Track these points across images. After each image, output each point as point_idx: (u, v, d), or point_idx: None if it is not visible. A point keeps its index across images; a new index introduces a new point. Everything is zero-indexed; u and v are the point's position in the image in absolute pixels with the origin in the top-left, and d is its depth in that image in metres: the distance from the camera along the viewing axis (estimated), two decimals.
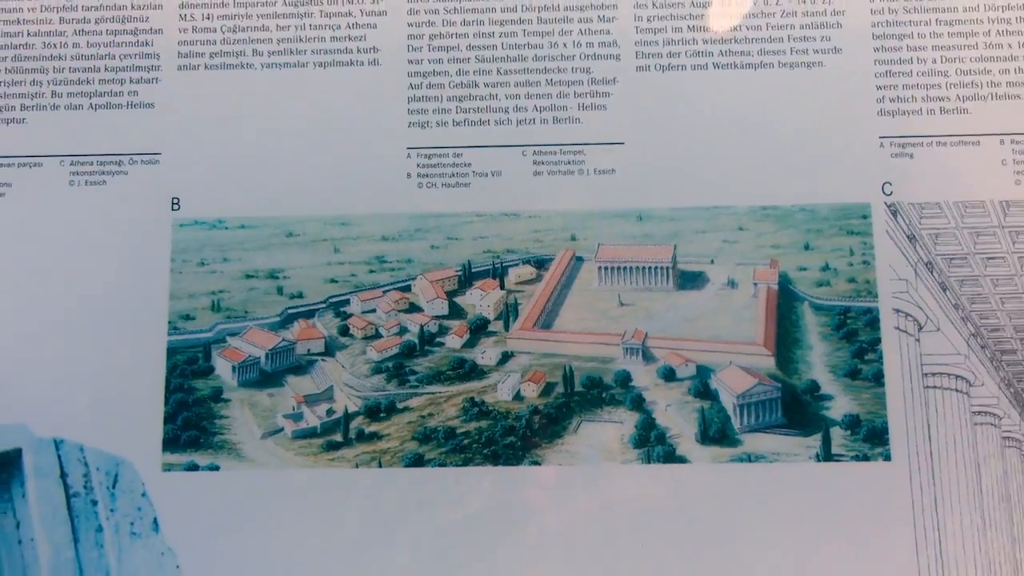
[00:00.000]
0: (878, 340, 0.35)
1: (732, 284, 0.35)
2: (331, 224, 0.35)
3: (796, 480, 0.34)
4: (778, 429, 0.34)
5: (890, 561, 0.33)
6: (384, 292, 0.35)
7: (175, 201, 0.36)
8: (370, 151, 0.36)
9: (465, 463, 0.34)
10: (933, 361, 0.35)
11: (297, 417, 0.35)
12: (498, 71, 0.37)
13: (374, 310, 0.36)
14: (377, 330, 0.35)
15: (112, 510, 0.35)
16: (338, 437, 0.34)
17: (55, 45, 0.37)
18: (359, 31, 0.37)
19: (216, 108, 0.37)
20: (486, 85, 0.37)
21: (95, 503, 0.35)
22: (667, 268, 0.35)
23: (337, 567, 0.33)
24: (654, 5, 0.36)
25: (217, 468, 0.35)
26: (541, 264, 0.36)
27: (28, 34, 0.37)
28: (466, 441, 0.34)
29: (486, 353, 0.35)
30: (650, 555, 0.33)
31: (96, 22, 0.38)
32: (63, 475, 0.35)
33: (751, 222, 0.35)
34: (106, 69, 0.37)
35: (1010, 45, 0.36)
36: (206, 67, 0.37)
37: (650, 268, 0.36)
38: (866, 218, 0.36)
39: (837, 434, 0.34)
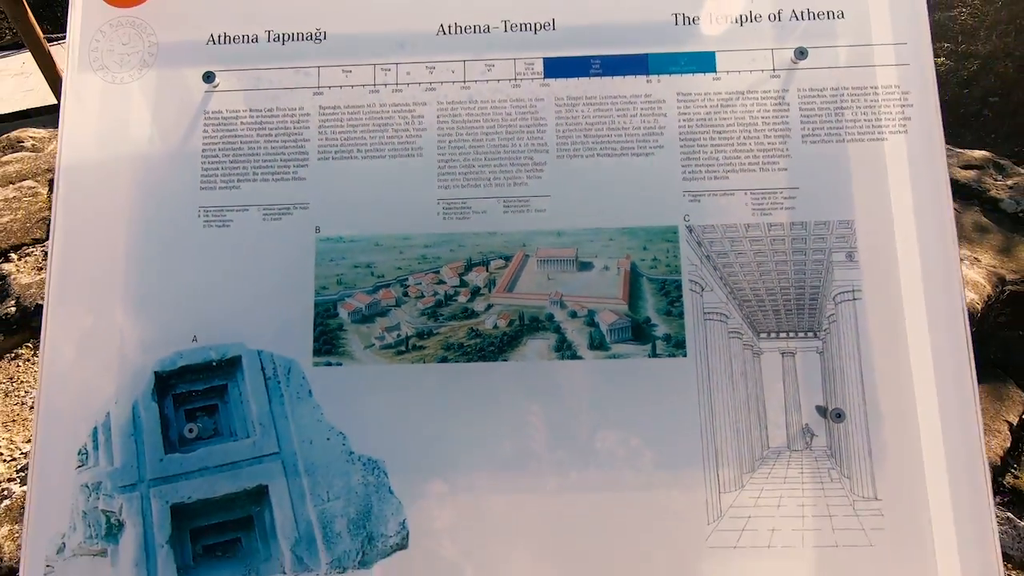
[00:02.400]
0: (680, 296, 0.67)
1: (606, 268, 0.67)
2: (399, 239, 0.68)
3: (639, 369, 0.66)
4: (629, 342, 0.66)
5: (685, 402, 0.65)
6: (426, 273, 0.68)
7: (318, 228, 0.69)
8: (419, 201, 0.69)
9: (468, 361, 0.66)
10: (709, 307, 0.67)
11: (381, 338, 0.67)
12: (485, 158, 0.70)
13: (420, 283, 0.69)
14: (422, 292, 0.68)
15: (287, 385, 0.67)
16: (403, 348, 0.67)
17: (253, 145, 0.71)
18: (413, 139, 0.70)
19: (337, 180, 0.70)
20: (479, 166, 0.70)
21: (279, 382, 0.67)
22: (573, 260, 0.68)
23: (401, 413, 0.65)
24: (567, 127, 0.70)
25: (341, 364, 0.67)
26: (507, 259, 0.68)
27: (239, 140, 0.71)
28: (469, 349, 0.66)
29: (477, 304, 0.67)
30: (559, 406, 0.65)
31: (271, 131, 0.71)
32: (262, 368, 0.68)
33: (617, 236, 0.68)
34: (281, 158, 0.70)
35: (750, 144, 0.69)
36: (332, 158, 0.70)
37: (564, 260, 0.68)
38: (676, 233, 0.68)
39: (659, 344, 0.66)
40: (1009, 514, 1.77)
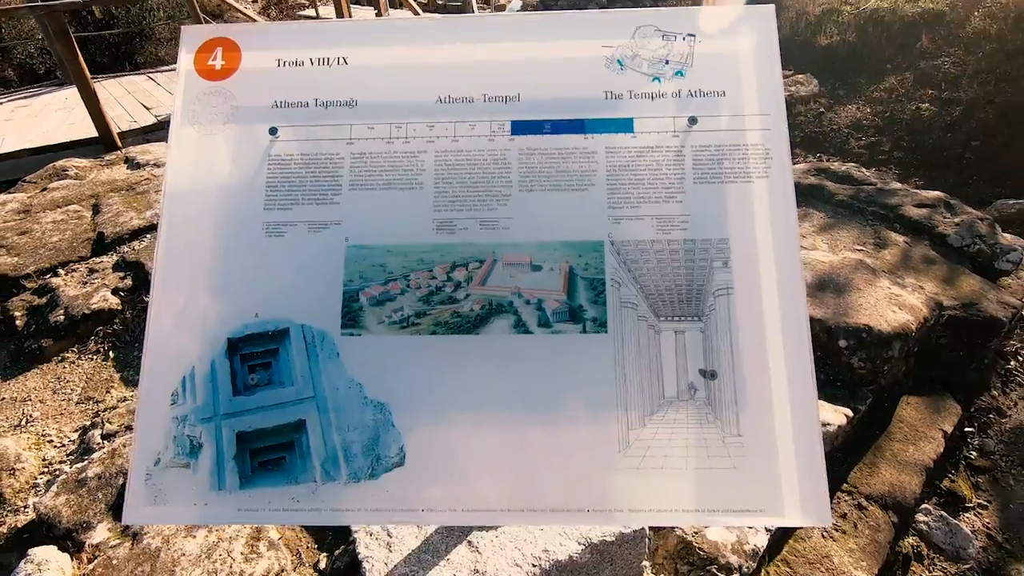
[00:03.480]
0: (604, 290, 0.93)
1: (552, 270, 0.94)
2: (404, 247, 0.95)
3: (573, 341, 0.92)
4: (566, 323, 0.92)
5: (605, 365, 0.90)
6: (423, 272, 0.95)
7: (347, 238, 0.96)
8: (419, 221, 0.96)
9: (451, 334, 0.92)
10: (624, 299, 0.93)
11: (389, 317, 0.94)
12: (467, 191, 0.97)
13: (419, 278, 0.95)
14: (420, 285, 0.95)
15: (321, 349, 0.93)
16: (405, 324, 0.93)
17: (302, 179, 0.99)
18: (417, 176, 0.98)
19: (362, 205, 0.98)
20: (463, 196, 0.97)
21: (315, 347, 0.94)
22: (528, 264, 0.94)
23: (402, 370, 0.91)
24: (526, 170, 0.98)
25: (360, 335, 0.93)
26: (481, 262, 0.95)
27: (293, 175, 0.99)
28: (452, 326, 0.93)
29: (459, 294, 0.94)
30: (516, 367, 0.91)
31: (315, 169, 1.00)
32: (304, 336, 0.94)
33: (560, 247, 0.95)
34: (322, 189, 0.98)
35: (656, 184, 0.96)
36: (359, 189, 0.98)
37: (521, 264, 0.94)
38: (602, 245, 0.95)
39: (588, 324, 0.92)
40: (943, 512, 1.99)
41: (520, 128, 0.98)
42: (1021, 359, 2.66)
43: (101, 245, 2.88)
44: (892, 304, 2.15)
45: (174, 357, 0.92)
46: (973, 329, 2.30)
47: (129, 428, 1.97)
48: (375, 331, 0.92)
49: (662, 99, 0.98)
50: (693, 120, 0.97)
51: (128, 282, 2.65)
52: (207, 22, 7.21)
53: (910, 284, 2.40)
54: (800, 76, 9.31)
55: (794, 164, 3.65)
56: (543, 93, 1.00)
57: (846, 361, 2.03)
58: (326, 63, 1.02)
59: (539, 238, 0.95)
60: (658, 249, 0.94)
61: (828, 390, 2.01)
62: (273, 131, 0.99)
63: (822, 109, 8.79)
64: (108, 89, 5.15)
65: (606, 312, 0.92)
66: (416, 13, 7.04)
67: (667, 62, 0.99)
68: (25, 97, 5.36)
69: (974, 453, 2.24)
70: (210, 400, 0.91)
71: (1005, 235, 2.97)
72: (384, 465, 0.88)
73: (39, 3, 4.21)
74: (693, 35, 1.00)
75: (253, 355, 0.93)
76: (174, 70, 4.61)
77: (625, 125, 0.98)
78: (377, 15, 5.53)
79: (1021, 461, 2.23)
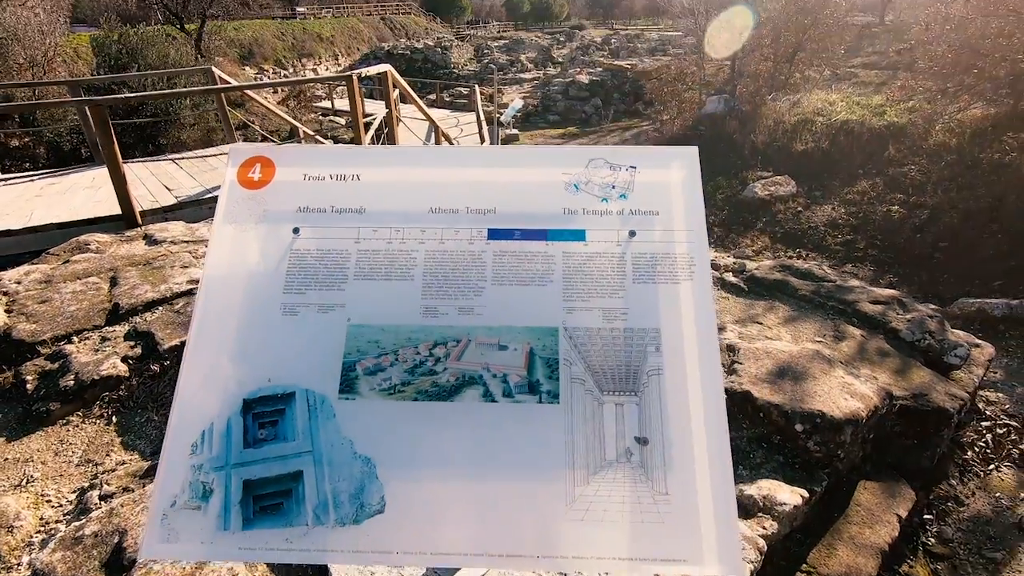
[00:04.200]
0: (557, 367, 1.13)
1: (515, 349, 1.14)
2: (395, 327, 1.16)
3: (531, 410, 1.10)
4: (526, 394, 1.11)
5: (557, 430, 1.08)
6: (410, 348, 1.15)
7: (349, 318, 1.17)
8: (409, 306, 1.18)
9: (430, 400, 1.11)
10: (575, 376, 1.13)
11: (380, 385, 1.13)
12: (449, 283, 1.20)
13: (406, 353, 1.15)
14: (407, 359, 1.15)
15: (320, 410, 1.11)
16: (392, 391, 1.12)
17: (316, 269, 1.22)
18: (409, 271, 1.21)
19: (363, 292, 1.20)
20: (446, 287, 1.19)
21: (315, 408, 1.11)
22: (496, 344, 1.15)
23: (387, 430, 1.09)
24: (498, 268, 1.21)
25: (354, 399, 1.11)
26: (458, 342, 1.15)
27: (308, 266, 1.22)
28: (431, 394, 1.12)
29: (438, 368, 1.14)
30: (483, 430, 1.09)
31: (328, 262, 1.22)
32: (307, 399, 1.12)
33: (523, 332, 1.16)
34: (331, 278, 1.21)
35: (603, 283, 1.19)
36: (361, 279, 1.21)
37: (491, 344, 1.15)
38: (557, 331, 1.15)
39: (544, 396, 1.11)
40: None
41: (495, 234, 1.23)
42: (977, 450, 2.81)
43: (116, 315, 3.08)
44: (845, 392, 2.34)
45: (197, 414, 1.10)
46: (923, 418, 2.47)
47: (127, 490, 2.08)
48: (367, 396, 1.11)
49: (608, 216, 1.24)
50: (633, 233, 1.21)
51: (138, 351, 2.83)
52: (233, 115, 7.85)
53: (865, 374, 2.60)
54: (779, 178, 9.99)
55: (763, 261, 3.95)
56: (514, 208, 1.25)
57: (803, 444, 2.18)
58: (342, 178, 1.28)
59: (506, 323, 1.16)
60: (603, 335, 1.15)
61: (787, 472, 2.15)
62: (296, 230, 1.23)
63: (800, 208, 9.38)
64: (134, 170, 5.56)
65: (559, 386, 1.11)
66: (421, 109, 7.70)
67: (613, 187, 1.26)
68: (56, 175, 5.76)
69: (933, 540, 2.34)
70: (224, 451, 1.08)
71: (957, 332, 3.21)
72: (367, 512, 1.04)
73: (84, 97, 4.67)
74: (635, 167, 1.27)
75: (264, 413, 1.11)
76: (198, 156, 5.07)
77: (579, 235, 1.22)
78: (387, 108, 6.08)
79: (979, 549, 2.32)
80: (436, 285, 1.19)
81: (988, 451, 2.80)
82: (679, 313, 1.16)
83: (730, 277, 3.54)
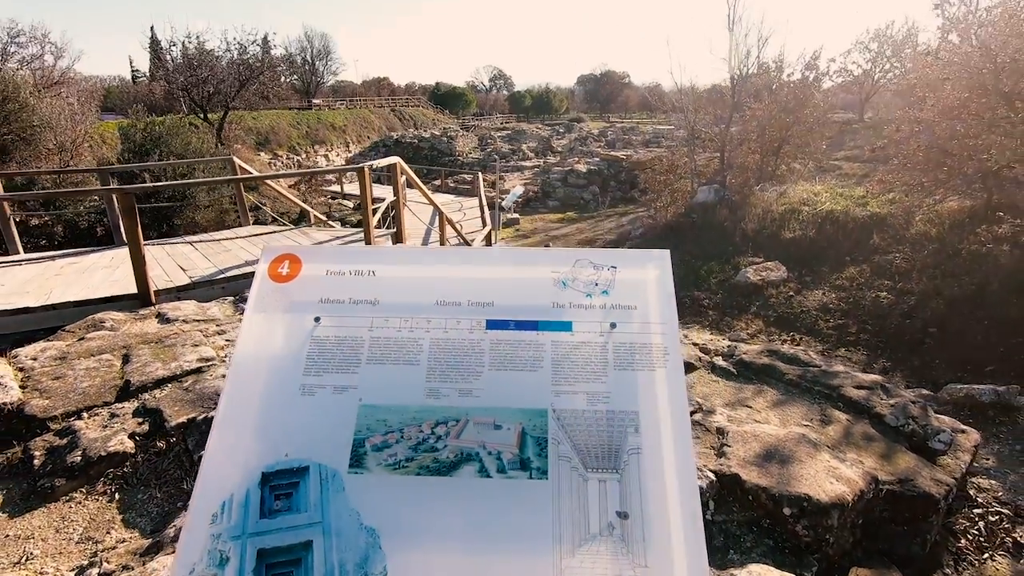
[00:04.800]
0: (547, 446, 1.25)
1: (509, 429, 1.27)
2: (402, 407, 1.30)
3: (522, 485, 1.21)
4: (518, 470, 1.23)
5: (545, 505, 1.19)
6: (414, 427, 1.28)
7: (360, 399, 1.31)
8: (415, 389, 1.32)
9: (431, 475, 1.23)
10: (562, 454, 1.25)
11: (386, 460, 1.25)
12: (451, 368, 1.35)
13: (410, 432, 1.28)
14: (411, 437, 1.27)
15: (331, 483, 1.22)
16: (397, 466, 1.24)
17: (333, 353, 1.37)
18: (415, 356, 1.36)
19: (374, 375, 1.34)
20: (448, 372, 1.34)
21: (327, 481, 1.22)
22: (492, 424, 1.28)
23: (392, 502, 1.20)
24: (495, 355, 1.36)
25: (362, 474, 1.23)
26: (457, 421, 1.29)
27: (327, 351, 1.37)
28: (432, 469, 1.24)
29: (439, 445, 1.27)
30: (479, 503, 1.20)
31: (344, 348, 1.38)
32: (320, 473, 1.23)
33: (515, 413, 1.29)
34: (346, 362, 1.36)
35: (588, 369, 1.34)
36: (373, 363, 1.36)
37: (487, 424, 1.28)
38: (546, 412, 1.29)
39: (534, 472, 1.22)
40: None
41: (492, 325, 1.39)
42: (971, 538, 2.82)
43: (126, 392, 3.19)
44: (831, 476, 2.41)
45: (219, 485, 1.22)
46: (911, 504, 2.52)
47: (126, 568, 2.11)
48: (374, 471, 1.23)
49: (592, 309, 1.41)
50: (614, 325, 1.38)
51: (145, 427, 2.92)
52: (246, 198, 8.30)
53: (851, 458, 2.68)
54: (770, 263, 10.34)
55: (753, 345, 4.10)
56: (510, 301, 1.43)
57: (792, 528, 2.23)
58: (360, 274, 1.47)
59: (501, 404, 1.30)
60: (587, 417, 1.28)
61: (777, 556, 2.18)
62: (317, 319, 1.40)
63: (792, 293, 9.64)
64: (152, 251, 5.83)
65: (548, 463, 1.23)
66: (427, 195, 8.14)
67: (596, 284, 1.44)
68: (77, 255, 6.04)
69: None
70: (242, 521, 1.18)
71: (941, 417, 3.30)
72: None
73: (116, 186, 5.01)
74: (615, 267, 1.46)
75: (280, 486, 1.22)
76: (213, 239, 5.36)
77: (566, 326, 1.39)
78: (394, 194, 6.46)
79: None
80: (439, 370, 1.34)
81: (982, 539, 2.81)
82: (655, 397, 1.30)
83: (720, 361, 3.67)
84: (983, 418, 4.44)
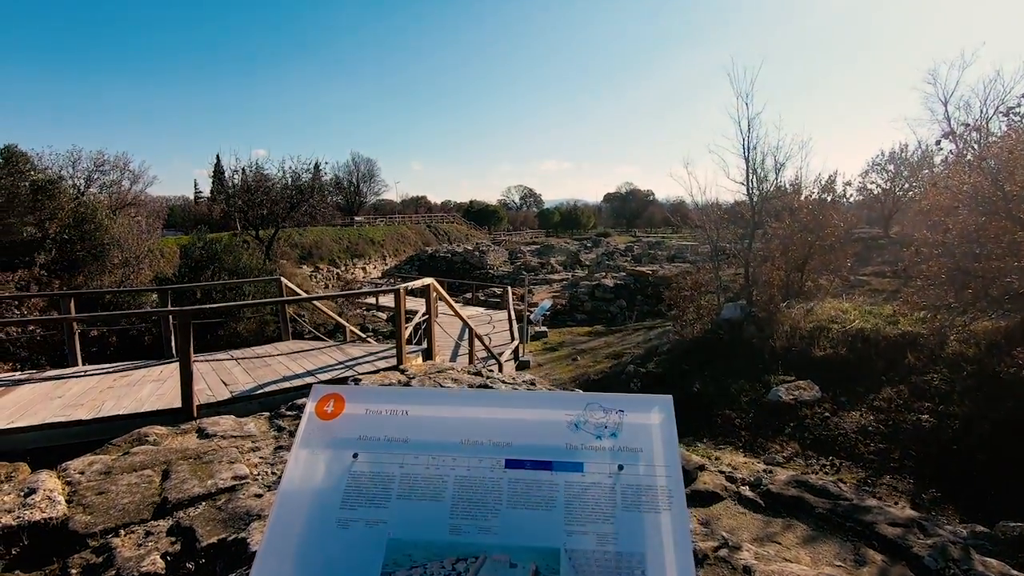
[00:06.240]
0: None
1: (524, 567, 1.38)
2: (426, 542, 1.42)
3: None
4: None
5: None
6: (436, 562, 1.40)
7: (390, 534, 1.45)
8: (439, 524, 1.45)
9: None
10: None
11: None
12: (473, 506, 1.48)
13: (433, 566, 1.39)
14: (433, 572, 1.38)
15: None
16: None
17: (368, 490, 1.53)
18: (440, 492, 1.51)
19: (403, 511, 1.49)
20: (471, 509, 1.47)
21: None
22: (507, 561, 1.38)
23: None
24: (513, 494, 1.50)
25: None
26: (476, 558, 1.40)
27: (362, 486, 1.53)
28: None
29: None
30: None
31: (375, 485, 1.54)
32: None
33: (530, 551, 1.40)
34: (378, 498, 1.51)
35: (599, 507, 1.46)
36: (402, 499, 1.51)
37: (503, 562, 1.38)
38: (559, 551, 1.39)
39: None
40: None
41: (511, 464, 1.54)
42: None
43: (163, 509, 3.32)
44: None
45: None
46: None
47: None
48: None
49: (602, 451, 1.55)
50: (621, 467, 1.52)
51: (177, 547, 3.01)
52: (288, 311, 8.82)
53: None
54: (802, 382, 10.15)
55: (779, 476, 4.02)
56: (526, 442, 1.59)
57: None
58: (395, 413, 1.66)
59: (517, 542, 1.41)
60: (597, 556, 1.38)
61: None
62: (355, 455, 1.58)
63: (827, 414, 9.35)
64: (196, 365, 6.19)
65: None
66: (456, 313, 8.49)
67: (606, 427, 1.60)
68: (128, 369, 6.43)
69: None
70: None
71: (989, 560, 3.13)
72: None
73: (175, 308, 5.48)
74: (623, 410, 1.63)
75: None
76: (256, 355, 5.69)
77: (578, 467, 1.53)
78: (426, 308, 6.79)
79: None
80: (462, 507, 1.48)
81: None
82: (660, 540, 1.40)
83: (747, 491, 3.62)
84: None
